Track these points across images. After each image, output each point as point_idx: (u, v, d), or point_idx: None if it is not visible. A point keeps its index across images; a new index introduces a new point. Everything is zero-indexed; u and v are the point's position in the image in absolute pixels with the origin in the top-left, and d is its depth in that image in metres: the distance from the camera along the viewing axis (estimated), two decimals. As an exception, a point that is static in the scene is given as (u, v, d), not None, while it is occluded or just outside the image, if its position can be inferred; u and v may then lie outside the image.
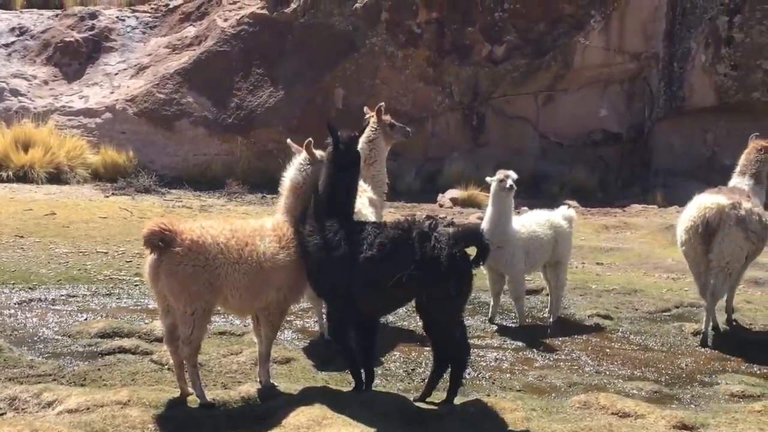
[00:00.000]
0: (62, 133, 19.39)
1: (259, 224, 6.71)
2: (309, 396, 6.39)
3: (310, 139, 6.85)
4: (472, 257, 6.19)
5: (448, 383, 6.56)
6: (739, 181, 10.01)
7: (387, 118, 9.69)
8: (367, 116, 9.80)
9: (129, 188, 17.75)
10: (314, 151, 6.80)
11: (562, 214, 10.02)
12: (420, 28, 21.15)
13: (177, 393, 6.48)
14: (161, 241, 6.10)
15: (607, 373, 7.89)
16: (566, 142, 21.92)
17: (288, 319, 9.38)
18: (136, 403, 6.14)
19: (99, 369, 7.28)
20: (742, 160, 10.18)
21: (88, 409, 6.08)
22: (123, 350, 7.77)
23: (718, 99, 20.56)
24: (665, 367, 8.11)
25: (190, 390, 6.44)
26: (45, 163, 18.00)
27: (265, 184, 19.53)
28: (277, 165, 19.49)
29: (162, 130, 20.23)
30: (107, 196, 17.04)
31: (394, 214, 17.73)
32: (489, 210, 9.33)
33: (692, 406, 7.00)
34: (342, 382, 7.25)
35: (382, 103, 9.84)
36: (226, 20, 21.58)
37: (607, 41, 21.42)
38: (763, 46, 19.85)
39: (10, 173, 17.61)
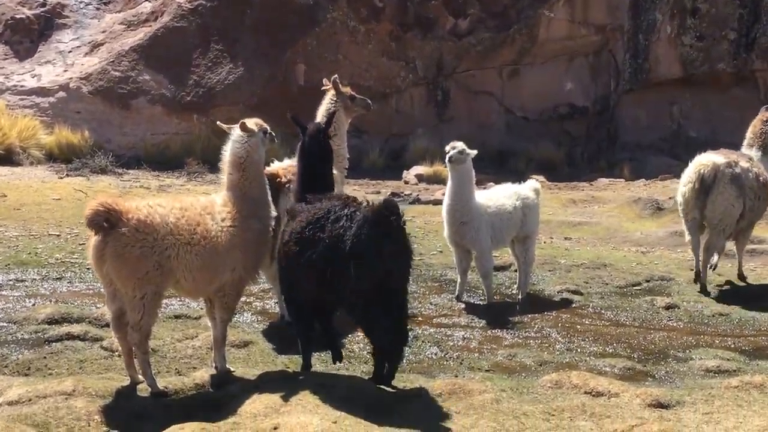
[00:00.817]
0: (14, 113, 18.72)
1: (209, 200, 6.38)
2: (267, 382, 6.07)
3: (243, 120, 6.69)
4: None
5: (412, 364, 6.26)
6: (747, 152, 10.14)
7: (347, 89, 9.33)
8: (324, 88, 9.46)
9: (84, 169, 17.19)
10: (248, 125, 6.58)
11: (530, 186, 9.76)
12: (382, 1, 20.78)
13: (126, 381, 6.12)
14: (106, 222, 5.71)
15: (579, 350, 7.63)
16: (532, 117, 21.70)
17: (247, 300, 9.04)
18: (81, 393, 5.77)
19: (45, 357, 6.88)
20: (749, 132, 10.38)
21: (29, 400, 5.70)
22: (71, 337, 7.36)
23: (684, 70, 20.43)
24: (638, 343, 7.86)
25: (141, 378, 6.09)
26: (-3, 144, 17.40)
27: (224, 162, 19.10)
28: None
29: (118, 109, 19.66)
30: (61, 178, 16.49)
31: (357, 191, 17.43)
32: (448, 184, 9.03)
33: (667, 383, 6.75)
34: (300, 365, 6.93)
35: (336, 75, 9.49)
36: (183, -5, 21.00)
37: (572, 13, 21.18)
38: (728, 17, 19.71)
39: (-47, 158, 17.00)
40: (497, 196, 9.42)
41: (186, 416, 5.61)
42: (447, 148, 8.89)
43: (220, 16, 20.50)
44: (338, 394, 5.84)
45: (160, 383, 6.09)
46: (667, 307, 9.09)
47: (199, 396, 5.99)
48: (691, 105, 21.15)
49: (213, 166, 18.70)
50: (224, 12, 20.53)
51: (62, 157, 18.29)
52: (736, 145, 20.32)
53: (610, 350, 7.64)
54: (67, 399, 5.68)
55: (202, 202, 6.31)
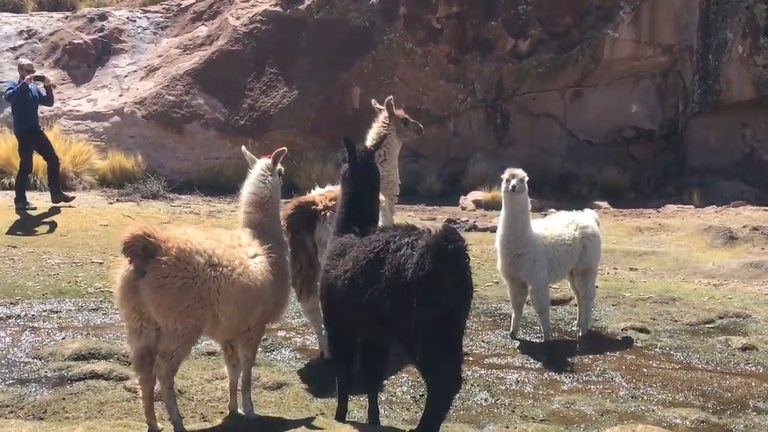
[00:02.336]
0: (69, 138, 18.60)
1: (237, 235, 6.07)
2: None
3: (284, 148, 6.50)
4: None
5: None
6: None
7: (400, 112, 8.96)
8: (379, 113, 8.99)
9: (135, 194, 16.95)
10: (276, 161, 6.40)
11: (590, 214, 9.10)
12: (440, 23, 20.22)
13: (144, 429, 5.62)
14: (143, 250, 5.35)
15: (645, 397, 6.90)
16: (595, 140, 20.90)
17: (287, 336, 8.52)
18: (91, 442, 5.28)
19: (64, 398, 6.42)
20: None
21: (34, 450, 5.23)
22: (95, 375, 6.88)
23: (757, 92, 19.50)
24: (712, 391, 7.09)
25: (159, 426, 5.62)
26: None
27: (279, 188, 18.72)
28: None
29: (172, 134, 19.43)
30: (111, 203, 16.25)
31: (412, 217, 16.86)
32: (502, 213, 8.40)
33: (746, 441, 6.01)
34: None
35: (391, 96, 9.08)
36: (238, 18, 20.76)
37: (638, 33, 20.37)
38: (804, 35, 18.77)
39: (12, 180, 16.83)
40: (555, 225, 8.77)
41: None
42: (505, 175, 8.28)
43: (276, 39, 20.20)
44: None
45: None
46: (744, 349, 8.29)
47: (222, 448, 5.46)
48: (764, 128, 20.19)
49: (266, 191, 18.40)
50: (280, 35, 20.22)
51: (115, 182, 18.10)
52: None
53: (681, 398, 6.89)
54: (75, 450, 5.21)
55: (233, 235, 6.01)
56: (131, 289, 5.45)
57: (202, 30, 21.37)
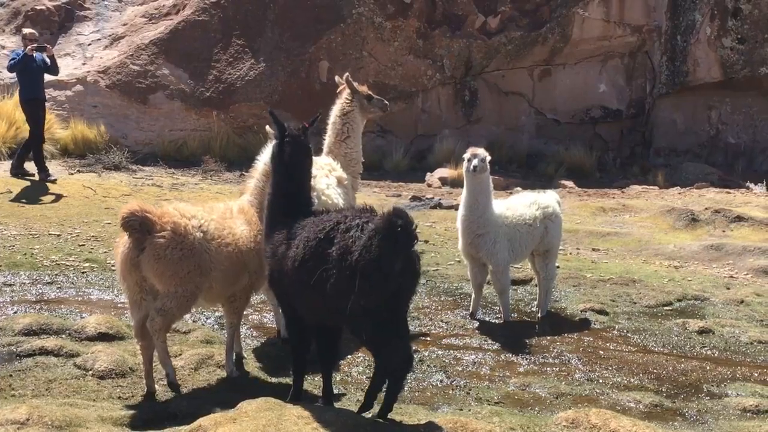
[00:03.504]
0: (29, 106, 18.23)
1: (231, 205, 6.54)
2: (246, 413, 5.39)
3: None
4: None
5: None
6: None
7: (364, 88, 8.79)
8: (340, 88, 8.84)
9: (97, 165, 16.66)
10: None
11: (552, 195, 9.06)
12: (409, -3, 20.04)
13: (91, 408, 5.51)
14: (140, 225, 5.78)
15: (601, 381, 6.87)
16: (563, 119, 20.91)
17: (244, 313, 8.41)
18: (36, 422, 5.17)
19: (11, 375, 6.29)
20: None
21: (-26, 430, 5.10)
22: (44, 352, 6.74)
23: (724, 74, 19.53)
24: (667, 374, 7.09)
25: (156, 388, 6.08)
26: (9, 138, 16.85)
27: (244, 161, 18.45)
28: (257, 141, 18.61)
29: (136, 104, 19.10)
30: (72, 173, 15.98)
31: (377, 193, 16.82)
32: (464, 193, 8.34)
33: (699, 424, 6.00)
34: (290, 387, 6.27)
35: (347, 74, 8.92)
36: (205, -12, 20.43)
37: (607, 13, 20.34)
38: (771, 18, 18.82)
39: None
40: (516, 205, 8.71)
41: (149, 454, 5.01)
42: (467, 155, 8.20)
43: (243, 9, 19.89)
44: (323, 429, 5.19)
45: (130, 411, 5.49)
46: (701, 332, 8.31)
47: (168, 430, 5.34)
48: (730, 110, 20.23)
49: (231, 164, 18.21)
50: (247, 6, 19.90)
51: (77, 153, 17.76)
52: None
53: (636, 382, 6.88)
54: (19, 429, 5.07)
55: (227, 206, 6.49)
56: (132, 264, 5.83)
57: (168, -1, 21.01)
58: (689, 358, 7.57)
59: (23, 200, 13.50)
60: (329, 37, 19.72)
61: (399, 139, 20.09)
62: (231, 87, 19.34)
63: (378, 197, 16.25)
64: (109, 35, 20.53)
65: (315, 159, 6.60)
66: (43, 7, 20.87)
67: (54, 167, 16.22)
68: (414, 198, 15.96)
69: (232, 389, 6.23)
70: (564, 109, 20.88)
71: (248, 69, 19.46)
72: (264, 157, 6.70)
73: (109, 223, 12.28)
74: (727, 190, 17.15)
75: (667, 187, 18.02)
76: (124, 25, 20.76)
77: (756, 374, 7.17)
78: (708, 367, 7.30)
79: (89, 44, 20.40)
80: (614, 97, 20.95)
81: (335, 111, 8.60)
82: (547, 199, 8.96)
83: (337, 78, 9.12)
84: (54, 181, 14.71)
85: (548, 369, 7.13)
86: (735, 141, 20.12)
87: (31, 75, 14.66)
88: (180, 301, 5.89)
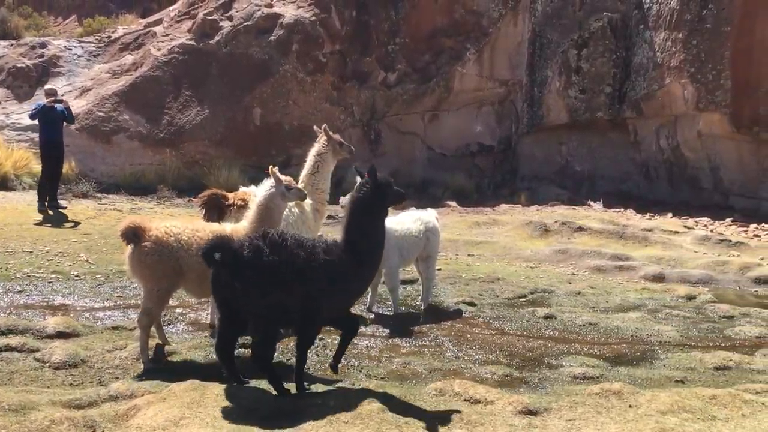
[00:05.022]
0: (11, 146, 17.59)
1: (221, 228, 6.49)
2: (174, 393, 5.28)
3: (276, 166, 6.71)
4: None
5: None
6: None
7: (336, 137, 8.96)
8: (320, 136, 8.86)
9: (68, 193, 16.14)
10: (279, 175, 6.57)
11: (432, 213, 9.16)
12: (325, 57, 20.00)
13: (45, 393, 5.30)
14: (134, 235, 6.10)
15: (466, 358, 6.97)
16: (449, 153, 21.12)
17: (183, 312, 8.24)
18: (-6, 407, 4.94)
19: (-21, 369, 6.01)
20: None
21: (-56, 413, 4.86)
22: (9, 348, 6.50)
23: (570, 117, 20.04)
24: (517, 351, 7.23)
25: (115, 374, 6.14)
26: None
27: (192, 189, 18.14)
28: (202, 173, 18.37)
29: (101, 143, 18.57)
30: (45, 202, 15.40)
31: (300, 214, 16.65)
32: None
33: (539, 389, 6.13)
34: (220, 374, 6.15)
35: (325, 125, 8.99)
36: (159, 50, 20.02)
37: (481, 70, 20.69)
38: (604, 74, 19.40)
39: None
40: (404, 221, 8.79)
41: (91, 429, 4.83)
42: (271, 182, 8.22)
43: (190, 67, 19.55)
44: (241, 404, 5.11)
45: (78, 394, 5.30)
46: (546, 317, 8.51)
47: (109, 408, 5.18)
48: (576, 145, 20.73)
49: (181, 191, 17.84)
50: (194, 63, 19.57)
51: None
52: (612, 177, 20.10)
53: (493, 358, 6.99)
54: (-21, 414, 4.86)
55: (213, 227, 6.48)
56: (131, 263, 6.22)
57: (129, 58, 20.53)
58: (536, 338, 7.73)
59: (3, 223, 12.96)
60: (261, 89, 19.53)
61: (319, 170, 19.95)
62: (181, 129, 18.97)
63: (300, 217, 16.11)
64: (79, 87, 19.95)
65: None
66: (24, 65, 20.23)
67: (31, 196, 15.58)
68: (329, 217, 15.88)
69: (168, 374, 6.09)
70: (449, 145, 21.10)
71: (195, 114, 19.14)
72: (260, 193, 6.60)
73: (75, 242, 11.90)
74: (574, 207, 17.60)
75: (528, 205, 18.36)
76: (92, 79, 20.20)
77: (585, 349, 7.37)
78: (549, 345, 7.47)
79: (62, 95, 19.69)
80: (488, 135, 21.28)
81: (313, 151, 8.70)
82: (428, 215, 9.07)
83: (315, 127, 9.11)
84: (64, 208, 14.48)
85: (425, 350, 7.19)
86: (580, 169, 20.62)
87: (48, 122, 14.43)
88: (156, 299, 6.18)
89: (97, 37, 21.99)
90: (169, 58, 19.71)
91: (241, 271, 5.17)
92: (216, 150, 18.93)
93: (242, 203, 7.88)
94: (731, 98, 16.65)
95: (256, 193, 6.68)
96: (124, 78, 19.70)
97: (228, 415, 4.88)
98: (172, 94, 19.34)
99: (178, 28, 20.74)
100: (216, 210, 7.89)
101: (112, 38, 21.71)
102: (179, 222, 6.42)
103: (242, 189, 8.38)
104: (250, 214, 6.53)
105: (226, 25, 19.99)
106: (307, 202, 8.20)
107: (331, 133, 8.77)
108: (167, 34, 20.57)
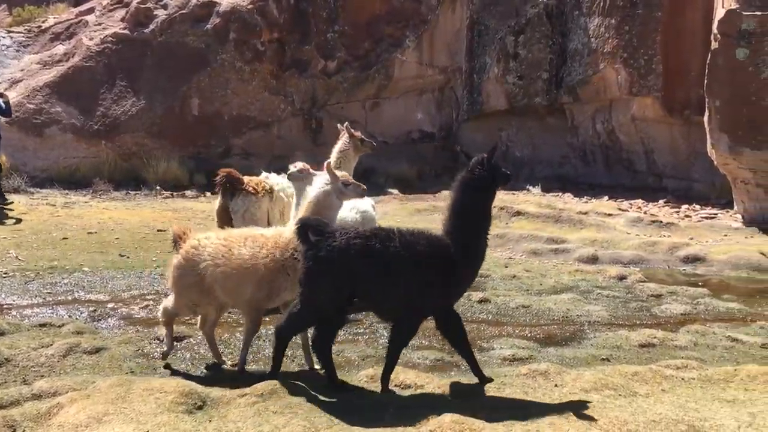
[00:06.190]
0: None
1: (257, 233, 6.08)
2: (99, 390, 5.19)
3: (330, 160, 6.47)
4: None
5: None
6: None
7: (358, 133, 9.28)
8: (342, 133, 9.29)
9: (-3, 189, 15.65)
10: (335, 171, 6.17)
11: (368, 201, 9.16)
12: (264, 46, 19.80)
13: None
14: (175, 243, 6.07)
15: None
16: (391, 141, 21.13)
17: (114, 306, 8.11)
18: None
19: None
20: None
21: None
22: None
23: (509, 103, 20.27)
24: (452, 335, 7.30)
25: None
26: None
27: (129, 181, 17.91)
28: (141, 164, 18.04)
29: (33, 137, 18.07)
30: (-10, 197, 14.97)
31: (241, 205, 16.51)
32: (294, 201, 8.33)
33: (469, 372, 6.20)
34: (149, 369, 6.09)
35: (347, 123, 9.40)
36: (91, 39, 19.53)
37: (420, 57, 20.77)
38: (541, 60, 19.65)
39: None
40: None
41: (11, 429, 4.73)
42: (290, 167, 8.21)
43: (125, 57, 19.15)
44: (165, 398, 5.06)
45: (1, 395, 5.18)
46: (480, 301, 8.62)
47: (31, 406, 5.07)
48: (515, 131, 20.99)
49: (118, 184, 17.52)
50: (128, 53, 19.19)
51: (-19, 179, 16.62)
52: (551, 162, 20.44)
53: (426, 343, 7.07)
54: None
55: (241, 235, 6.03)
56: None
57: (60, 48, 19.98)
58: (469, 322, 7.81)
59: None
60: (199, 78, 19.24)
61: (260, 160, 19.67)
62: (116, 121, 18.58)
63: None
64: (9, 79, 19.31)
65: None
66: (-51, 56, 19.47)
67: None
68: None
69: (95, 372, 5.99)
70: (391, 133, 21.14)
71: (131, 106, 18.76)
72: (312, 191, 6.17)
73: (5, 237, 11.59)
74: (513, 192, 17.79)
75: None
76: (22, 70, 19.59)
77: (517, 331, 7.50)
78: (482, 328, 7.59)
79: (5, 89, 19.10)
80: (429, 122, 21.40)
81: (336, 148, 9.10)
82: (365, 204, 9.04)
83: (339, 125, 9.47)
84: (11, 202, 14.34)
85: (360, 337, 7.22)
86: (520, 154, 20.89)
87: None
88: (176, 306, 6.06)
89: (26, 27, 21.30)
90: (102, 48, 19.27)
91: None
92: (153, 141, 18.61)
93: (253, 191, 8.54)
94: (663, 83, 17.05)
95: (309, 191, 6.32)
96: (56, 69, 19.18)
97: (152, 409, 4.82)
98: (106, 84, 18.93)
99: (111, 17, 20.25)
100: (230, 191, 8.51)
101: (43, 28, 21.08)
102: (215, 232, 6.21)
103: (263, 175, 9.14)
104: (300, 213, 6.14)
105: (161, 13, 19.61)
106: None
107: (352, 131, 9.11)
108: (100, 24, 20.07)
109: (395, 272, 5.24)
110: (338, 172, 6.24)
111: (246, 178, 8.64)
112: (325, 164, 6.16)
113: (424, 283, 5.30)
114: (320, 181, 6.14)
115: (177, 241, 6.03)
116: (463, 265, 5.44)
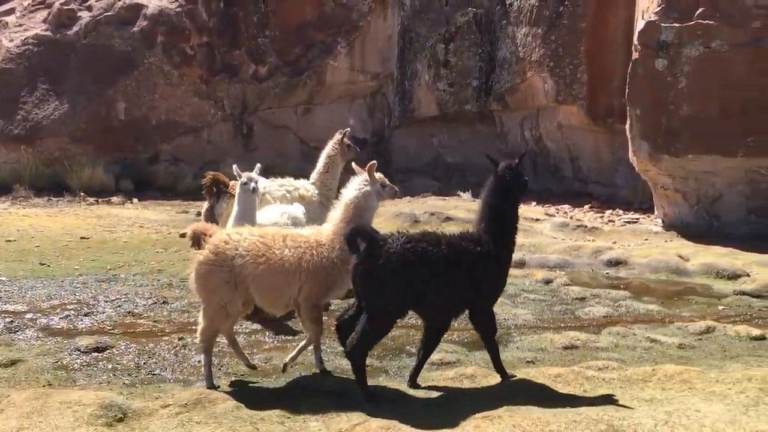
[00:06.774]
0: None
1: (292, 232, 6.08)
2: (14, 403, 5.00)
3: (374, 162, 6.23)
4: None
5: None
6: None
7: (346, 140, 9.85)
8: (335, 139, 9.92)
9: None
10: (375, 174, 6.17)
11: (298, 207, 9.14)
12: (193, 50, 19.47)
13: None
14: (196, 242, 5.88)
15: (329, 350, 6.98)
16: (322, 147, 20.99)
17: (33, 317, 7.82)
18: None
19: None
20: None
21: None
22: None
23: (440, 110, 20.51)
24: (382, 341, 7.27)
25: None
26: None
27: (52, 187, 17.34)
28: (64, 170, 17.49)
29: (-53, 141, 17.35)
30: None
31: (169, 211, 16.28)
32: (236, 207, 8.24)
33: (398, 377, 6.25)
34: (68, 381, 5.90)
35: (347, 129, 10.20)
36: (12, 41, 18.86)
37: (352, 63, 20.79)
38: (471, 68, 19.96)
39: None
40: (271, 216, 8.70)
41: None
42: (244, 178, 8.10)
43: (47, 59, 18.55)
44: (84, 411, 4.90)
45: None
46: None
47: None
48: (446, 137, 21.23)
49: (39, 190, 16.95)
50: (51, 56, 18.60)
51: None
52: (482, 168, 20.75)
53: (354, 349, 7.04)
54: None
55: (275, 232, 6.02)
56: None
57: (-23, 50, 19.20)
58: (400, 327, 7.79)
59: None
60: (125, 82, 18.79)
61: (189, 165, 19.44)
62: (38, 125, 17.99)
63: (169, 213, 15.76)
64: None
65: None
66: None
67: None
68: (198, 213, 15.52)
69: (10, 385, 5.76)
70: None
71: (53, 109, 18.19)
72: (349, 193, 6.10)
73: None
74: (444, 197, 18.02)
75: (401, 197, 18.59)
76: (-64, 72, 18.75)
77: (445, 336, 7.50)
78: (412, 333, 7.61)
79: None
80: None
81: (324, 152, 9.85)
82: (295, 210, 9.02)
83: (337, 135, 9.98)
84: None
85: (289, 344, 7.15)
86: (452, 161, 21.13)
87: None
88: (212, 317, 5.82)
89: (-60, 27, 20.38)
90: (23, 49, 18.66)
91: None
92: (77, 146, 18.09)
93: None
94: (587, 91, 17.53)
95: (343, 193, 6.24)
96: (-27, 71, 18.42)
97: (70, 423, 4.67)
98: (27, 87, 18.34)
99: (32, 18, 19.61)
100: (216, 194, 8.84)
101: (-41, 28, 20.20)
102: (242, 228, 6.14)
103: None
104: (336, 215, 6.05)
105: (85, 15, 19.11)
106: (314, 198, 9.36)
107: (341, 138, 9.68)
108: (20, 25, 19.41)
109: (451, 273, 5.48)
110: (376, 174, 6.26)
111: (232, 182, 8.70)
112: (368, 166, 6.17)
113: (480, 280, 5.62)
114: (357, 183, 6.15)
115: (200, 239, 5.82)
116: (506, 264, 5.84)
